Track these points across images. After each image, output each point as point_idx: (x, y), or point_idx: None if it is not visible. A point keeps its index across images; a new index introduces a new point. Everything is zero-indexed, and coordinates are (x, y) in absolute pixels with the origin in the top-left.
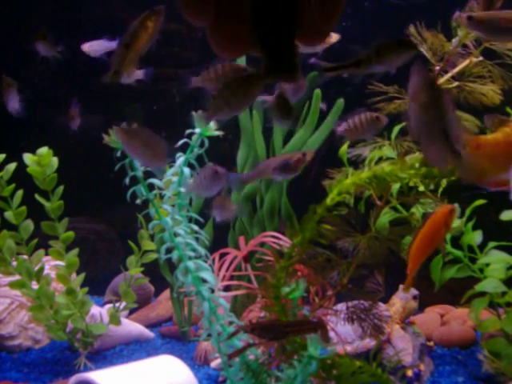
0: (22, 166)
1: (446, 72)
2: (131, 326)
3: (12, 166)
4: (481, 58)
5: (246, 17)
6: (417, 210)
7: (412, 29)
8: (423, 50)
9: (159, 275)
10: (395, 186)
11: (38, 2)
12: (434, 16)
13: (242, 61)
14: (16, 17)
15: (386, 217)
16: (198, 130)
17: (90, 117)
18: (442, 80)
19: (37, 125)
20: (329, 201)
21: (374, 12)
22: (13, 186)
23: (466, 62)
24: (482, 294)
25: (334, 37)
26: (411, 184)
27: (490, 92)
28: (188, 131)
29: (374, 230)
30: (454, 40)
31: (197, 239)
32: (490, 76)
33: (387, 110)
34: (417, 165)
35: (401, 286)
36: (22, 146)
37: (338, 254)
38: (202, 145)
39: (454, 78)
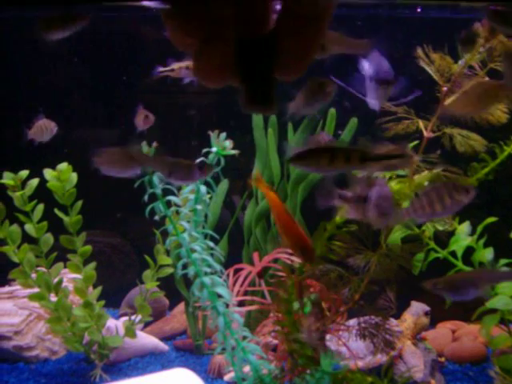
0: (42, 180)
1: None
2: (146, 339)
3: (35, 182)
4: (486, 79)
5: (230, 49)
6: (427, 228)
7: (420, 51)
8: (431, 71)
9: (173, 289)
10: (406, 204)
11: None
12: (441, 38)
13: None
14: None
15: (397, 234)
16: (214, 149)
17: (109, 131)
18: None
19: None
20: (338, 218)
21: (382, 34)
22: (34, 202)
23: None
24: (493, 310)
25: None
26: None
27: (497, 111)
28: (205, 150)
29: (385, 247)
30: (460, 61)
31: (212, 255)
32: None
33: (395, 130)
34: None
35: (413, 302)
36: (42, 161)
37: (350, 270)
38: (218, 163)
39: None
